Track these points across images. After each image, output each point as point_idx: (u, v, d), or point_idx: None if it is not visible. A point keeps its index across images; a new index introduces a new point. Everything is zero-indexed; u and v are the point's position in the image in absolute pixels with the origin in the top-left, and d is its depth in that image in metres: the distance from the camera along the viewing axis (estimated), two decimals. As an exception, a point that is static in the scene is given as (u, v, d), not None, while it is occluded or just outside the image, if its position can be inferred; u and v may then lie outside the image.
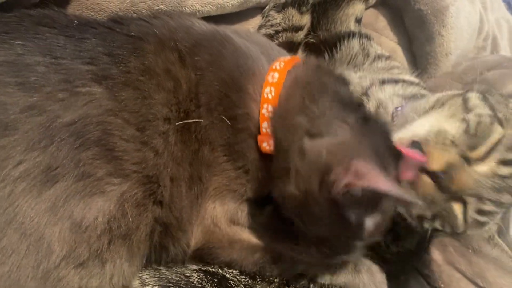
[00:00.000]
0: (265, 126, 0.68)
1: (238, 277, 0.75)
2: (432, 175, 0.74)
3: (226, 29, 0.74)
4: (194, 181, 0.68)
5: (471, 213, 0.76)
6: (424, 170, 0.74)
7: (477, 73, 1.08)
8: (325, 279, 0.78)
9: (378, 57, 1.08)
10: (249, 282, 0.76)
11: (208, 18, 0.84)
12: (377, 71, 1.05)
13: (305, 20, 1.01)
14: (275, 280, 0.77)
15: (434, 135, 0.75)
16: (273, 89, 0.69)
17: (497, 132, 0.76)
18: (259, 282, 0.76)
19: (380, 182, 0.53)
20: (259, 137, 0.68)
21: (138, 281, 0.69)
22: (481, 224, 0.78)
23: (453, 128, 0.76)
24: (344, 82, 0.72)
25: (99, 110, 0.60)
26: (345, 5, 1.07)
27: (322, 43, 1.03)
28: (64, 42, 0.61)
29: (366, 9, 1.13)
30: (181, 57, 0.66)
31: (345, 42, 1.04)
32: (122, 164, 0.61)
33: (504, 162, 0.75)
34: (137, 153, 0.62)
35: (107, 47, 0.63)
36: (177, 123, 0.65)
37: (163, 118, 0.64)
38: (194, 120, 0.66)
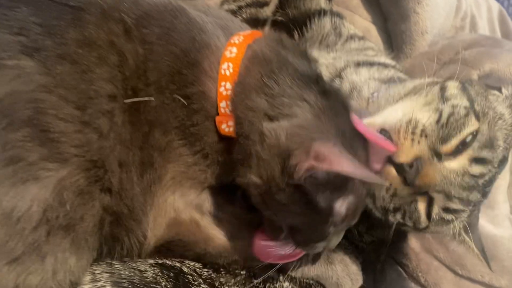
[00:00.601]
0: (223, 106, 0.63)
1: (198, 270, 0.71)
2: (399, 167, 0.69)
3: (180, 1, 0.68)
4: (146, 167, 0.63)
5: (437, 210, 0.72)
6: (390, 160, 0.69)
7: (454, 53, 1.05)
8: (296, 272, 0.75)
9: (351, 37, 1.04)
10: (212, 275, 0.72)
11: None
12: (351, 52, 1.01)
13: (270, -4, 0.96)
14: (241, 272, 0.74)
15: (405, 124, 0.69)
16: (231, 65, 0.64)
17: (472, 125, 0.71)
18: (223, 275, 0.73)
19: (343, 163, 0.51)
20: (217, 118, 0.64)
21: (88, 277, 0.65)
22: (446, 222, 0.75)
23: (425, 117, 0.71)
24: (306, 57, 0.68)
25: (29, 85, 0.54)
26: (315, -19, 1.02)
27: (291, 21, 0.98)
28: None
29: (338, -14, 1.08)
30: (127, 30, 0.61)
31: (316, 20, 1.00)
32: (59, 147, 0.55)
33: (477, 160, 0.71)
34: (77, 135, 0.56)
35: (41, 17, 0.57)
36: (124, 101, 0.59)
37: (107, 95, 0.58)
38: (143, 98, 0.60)
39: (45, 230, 0.55)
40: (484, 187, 0.74)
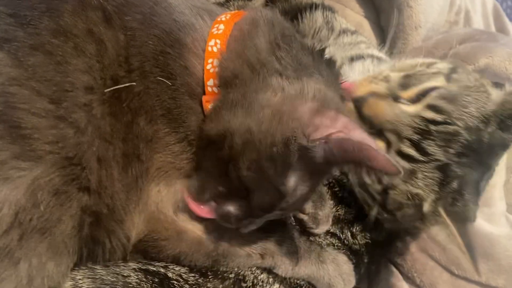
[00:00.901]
0: (210, 84, 0.61)
1: (184, 276, 0.69)
2: (355, 101, 0.74)
3: None
4: (131, 160, 0.61)
5: (392, 155, 0.73)
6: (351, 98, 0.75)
7: (448, 47, 1.03)
8: (287, 271, 0.73)
9: (344, 31, 1.01)
10: (199, 280, 0.69)
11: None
12: (344, 47, 0.98)
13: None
14: (230, 276, 0.71)
15: (372, 73, 0.78)
16: (218, 41, 0.62)
17: (437, 82, 0.75)
18: (211, 279, 0.70)
19: (360, 134, 0.52)
20: (204, 98, 0.61)
21: (70, 283, 0.62)
22: (407, 173, 0.73)
23: (395, 73, 0.77)
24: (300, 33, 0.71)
25: None
26: (305, -27, 0.99)
27: (282, 15, 0.96)
28: None
29: (330, -21, 1.06)
30: (107, 17, 0.58)
31: (307, 14, 0.97)
32: (31, 144, 0.52)
33: (432, 107, 0.72)
34: (51, 131, 0.54)
35: (11, 7, 0.55)
36: (105, 90, 0.57)
37: (84, 87, 0.56)
38: (125, 85, 0.58)
39: (17, 233, 0.53)
40: (445, 142, 0.72)
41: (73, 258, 0.60)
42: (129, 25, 0.59)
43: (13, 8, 0.55)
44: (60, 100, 0.54)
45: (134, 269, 0.66)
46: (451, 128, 0.71)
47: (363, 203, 0.83)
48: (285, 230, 0.73)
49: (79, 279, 0.63)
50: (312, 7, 0.97)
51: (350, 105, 0.74)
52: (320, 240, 0.81)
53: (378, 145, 0.72)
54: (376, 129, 0.74)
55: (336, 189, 0.84)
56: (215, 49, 0.62)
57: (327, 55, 0.68)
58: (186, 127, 0.62)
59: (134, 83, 0.59)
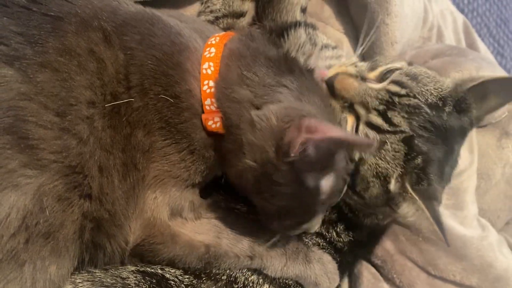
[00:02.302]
0: (208, 104, 0.66)
1: (180, 277, 0.72)
2: (327, 82, 0.81)
3: (154, 10, 0.71)
4: (129, 169, 0.64)
5: (362, 127, 0.79)
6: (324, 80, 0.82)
7: (421, 62, 1.09)
8: (276, 272, 0.76)
9: (325, 46, 1.06)
10: (193, 281, 0.72)
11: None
12: (325, 60, 1.03)
13: (247, 6, 0.98)
14: (223, 277, 0.74)
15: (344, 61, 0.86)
16: (211, 64, 0.67)
17: (401, 64, 0.84)
18: (204, 281, 0.73)
19: (332, 131, 0.55)
20: (203, 116, 0.66)
21: (69, 286, 0.64)
22: (376, 145, 0.77)
23: (362, 63, 0.86)
24: (275, 43, 0.74)
25: (9, 93, 0.54)
26: (289, -6, 1.04)
27: (268, 33, 1.00)
28: None
29: (311, -2, 1.11)
30: (106, 37, 0.62)
31: (292, 31, 1.02)
32: (38, 153, 0.56)
33: (396, 82, 0.79)
34: (56, 141, 0.57)
35: (21, 26, 0.58)
36: (106, 105, 0.61)
37: (87, 101, 0.60)
38: (124, 101, 0.62)
39: (23, 237, 0.55)
40: (408, 114, 0.77)
41: (74, 262, 0.62)
42: (128, 45, 0.63)
43: (22, 27, 0.58)
44: (65, 113, 0.57)
45: (132, 271, 0.68)
46: (413, 101, 0.77)
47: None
48: (273, 232, 0.75)
49: (79, 282, 0.65)
50: (296, 25, 1.02)
51: (323, 86, 0.81)
52: (307, 240, 0.84)
53: (348, 120, 0.80)
54: (347, 104, 0.80)
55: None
56: (209, 71, 0.66)
57: (303, 63, 0.74)
58: (187, 139, 0.66)
59: (132, 99, 0.62)
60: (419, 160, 0.76)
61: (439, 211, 0.76)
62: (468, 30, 1.33)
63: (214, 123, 0.65)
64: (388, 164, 0.77)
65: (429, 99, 0.78)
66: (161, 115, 0.64)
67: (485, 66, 1.05)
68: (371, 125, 0.78)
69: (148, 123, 0.64)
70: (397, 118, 0.77)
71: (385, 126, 0.77)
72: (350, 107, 0.80)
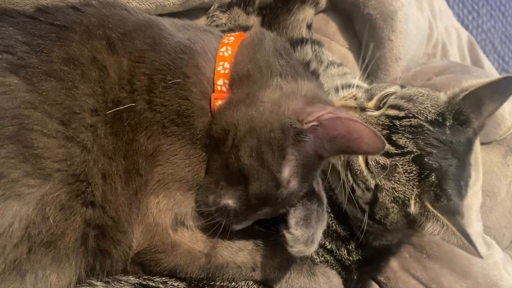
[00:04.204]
0: (220, 84, 0.67)
1: None
2: None
3: (161, 18, 0.72)
4: (132, 175, 0.64)
5: (371, 156, 0.79)
6: None
7: (426, 78, 1.09)
8: (280, 285, 0.75)
9: (331, 63, 1.07)
10: None
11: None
12: (331, 77, 1.04)
13: (252, 20, 0.99)
14: None
15: (344, 94, 0.89)
16: (229, 48, 0.69)
17: (394, 88, 0.86)
18: None
19: (347, 115, 0.60)
20: (213, 95, 0.66)
21: None
22: (386, 168, 0.78)
23: (361, 93, 0.88)
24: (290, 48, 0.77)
25: (15, 102, 0.55)
26: (296, 11, 1.05)
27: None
28: None
29: (316, 14, 1.12)
30: (110, 44, 0.63)
31: (298, 48, 1.03)
32: (42, 162, 0.56)
33: (393, 106, 0.81)
34: (60, 150, 0.57)
35: (26, 36, 0.59)
36: (107, 112, 0.61)
37: (90, 109, 0.60)
38: (126, 106, 0.62)
39: (26, 247, 0.55)
40: (412, 134, 0.78)
41: (77, 270, 0.62)
42: (138, 48, 0.64)
43: (28, 36, 0.59)
44: (69, 122, 0.58)
45: (134, 284, 0.67)
46: (413, 121, 0.79)
47: (353, 222, 0.86)
48: (277, 244, 0.73)
49: (80, 295, 0.64)
50: (303, 41, 1.03)
51: None
52: (315, 256, 0.83)
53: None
54: None
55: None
56: (226, 54, 0.68)
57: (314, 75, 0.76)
58: (193, 129, 0.66)
59: (134, 104, 0.63)
60: (433, 178, 0.77)
61: (464, 224, 0.76)
62: (473, 46, 1.33)
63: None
64: (404, 186, 0.77)
65: (428, 117, 0.79)
66: (167, 110, 0.64)
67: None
68: None
69: (150, 125, 0.64)
70: (402, 140, 0.78)
71: (392, 149, 0.77)
72: None
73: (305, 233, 0.66)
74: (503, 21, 1.63)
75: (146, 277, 0.70)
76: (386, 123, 0.79)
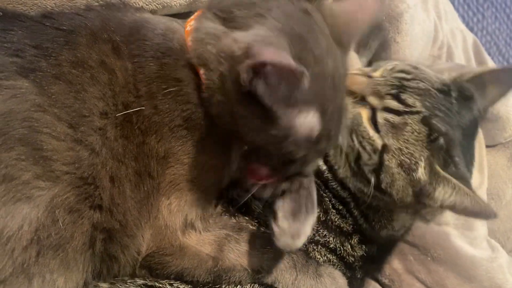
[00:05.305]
0: (202, 72, 0.63)
1: None
2: None
3: (147, 15, 0.72)
4: (143, 178, 0.64)
5: (380, 114, 0.79)
6: None
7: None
8: (287, 286, 0.75)
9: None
10: None
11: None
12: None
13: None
14: None
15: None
16: (192, 22, 0.66)
17: (397, 61, 0.87)
18: None
19: (274, 55, 0.50)
20: (203, 87, 0.63)
21: None
22: (397, 127, 0.77)
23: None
24: None
25: (25, 105, 0.55)
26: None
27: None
28: None
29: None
30: (115, 48, 0.63)
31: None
32: (51, 165, 0.56)
33: (400, 71, 0.83)
34: (69, 152, 0.57)
35: (35, 40, 0.59)
36: (116, 115, 0.61)
37: (99, 112, 0.60)
38: (134, 110, 0.62)
39: (35, 250, 0.55)
40: (420, 96, 0.78)
41: (84, 274, 0.62)
42: (134, 53, 0.63)
43: (37, 40, 0.59)
44: (78, 125, 0.58)
45: (140, 285, 0.68)
46: (421, 84, 0.79)
47: (357, 203, 0.85)
48: None
49: (85, 297, 0.64)
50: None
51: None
52: (319, 256, 0.83)
53: (362, 114, 0.81)
54: (358, 99, 0.82)
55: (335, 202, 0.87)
56: (188, 28, 0.65)
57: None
58: (201, 127, 0.65)
59: (143, 107, 0.63)
60: (441, 141, 0.76)
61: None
62: (478, 48, 1.33)
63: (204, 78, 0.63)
64: (414, 146, 0.76)
65: (434, 85, 0.80)
66: (173, 115, 0.64)
67: (495, 84, 1.05)
68: (389, 110, 0.79)
69: (159, 129, 0.64)
70: (410, 99, 0.78)
71: (402, 107, 0.78)
72: (361, 101, 0.82)
73: (292, 226, 0.66)
74: (508, 23, 1.63)
75: (152, 278, 0.70)
76: (395, 83, 0.80)
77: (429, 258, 0.96)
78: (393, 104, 0.79)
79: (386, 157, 0.78)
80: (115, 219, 0.62)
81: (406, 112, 0.77)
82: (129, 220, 0.63)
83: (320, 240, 0.83)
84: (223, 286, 0.71)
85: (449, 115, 0.78)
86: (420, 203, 0.80)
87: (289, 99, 0.52)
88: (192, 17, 0.68)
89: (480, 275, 0.94)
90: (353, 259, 0.86)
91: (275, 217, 0.67)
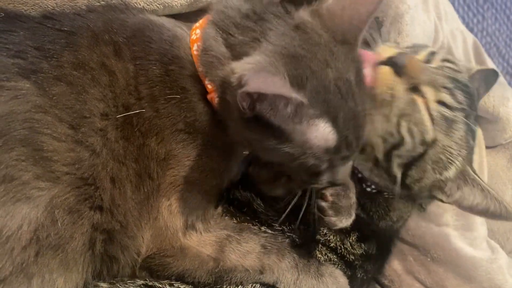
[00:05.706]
0: (208, 82, 0.64)
1: None
2: (388, 61, 0.76)
3: (152, 16, 0.72)
4: (143, 179, 0.64)
5: (433, 105, 0.74)
6: (382, 63, 0.76)
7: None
8: (289, 286, 0.74)
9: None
10: None
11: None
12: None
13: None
14: None
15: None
16: (198, 31, 0.66)
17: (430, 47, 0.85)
18: None
19: (259, 81, 0.50)
20: (208, 96, 0.64)
21: None
22: (450, 123, 0.74)
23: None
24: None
25: (26, 106, 0.55)
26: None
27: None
28: None
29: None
30: (117, 50, 0.63)
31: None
32: (51, 165, 0.56)
33: (447, 60, 0.79)
34: (69, 153, 0.58)
35: (37, 41, 0.59)
36: (117, 116, 0.61)
37: (100, 114, 0.60)
38: (135, 112, 0.62)
39: (34, 250, 0.55)
40: (464, 92, 0.76)
41: (83, 275, 0.62)
42: (137, 55, 0.64)
43: (38, 41, 0.59)
44: (79, 126, 0.58)
45: (140, 285, 0.67)
46: (464, 77, 0.78)
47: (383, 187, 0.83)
48: (284, 246, 0.75)
49: (85, 296, 0.64)
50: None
51: (383, 68, 0.76)
52: (319, 255, 0.83)
53: (417, 102, 0.75)
54: (411, 85, 0.76)
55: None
56: (194, 37, 0.65)
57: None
58: (203, 133, 0.65)
59: (144, 110, 0.63)
60: (473, 141, 0.76)
61: None
62: (478, 49, 1.33)
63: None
64: (457, 145, 0.75)
65: (466, 77, 0.79)
66: (174, 119, 0.64)
67: (495, 86, 1.05)
68: (442, 103, 0.75)
69: (160, 131, 0.64)
70: (460, 96, 0.75)
71: (455, 104, 0.75)
72: (414, 89, 0.76)
73: (343, 204, 0.71)
74: (508, 24, 1.63)
75: (152, 279, 0.70)
76: (450, 76, 0.76)
77: (429, 259, 0.96)
78: (448, 98, 0.75)
79: (430, 151, 0.75)
80: (115, 220, 0.62)
81: (457, 109, 0.75)
82: (130, 221, 0.63)
83: (320, 239, 0.83)
84: (224, 287, 0.71)
85: (473, 112, 0.77)
86: (434, 197, 0.79)
87: (294, 116, 0.54)
88: (197, 25, 0.68)
89: (480, 276, 0.94)
90: (353, 258, 0.86)
91: (322, 196, 0.71)
